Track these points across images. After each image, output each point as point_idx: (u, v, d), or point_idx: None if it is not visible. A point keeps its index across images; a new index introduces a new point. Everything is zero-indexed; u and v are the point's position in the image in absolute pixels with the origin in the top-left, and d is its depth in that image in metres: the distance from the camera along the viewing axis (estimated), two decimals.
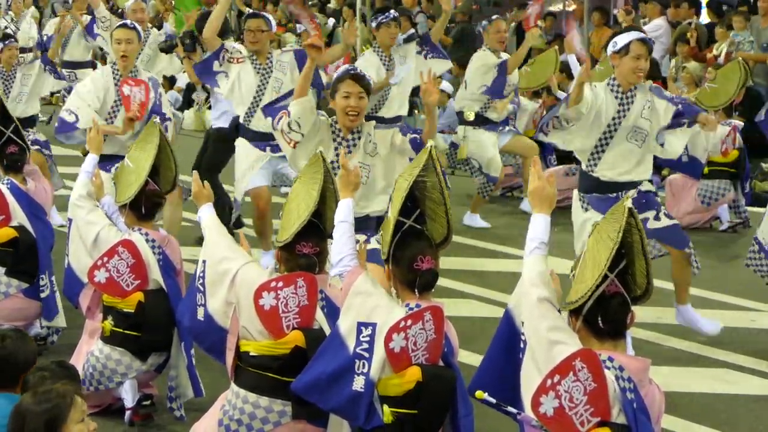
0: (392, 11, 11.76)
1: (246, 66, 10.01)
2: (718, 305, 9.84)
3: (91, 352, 7.00)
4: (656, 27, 17.46)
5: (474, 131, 12.61)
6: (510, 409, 4.70)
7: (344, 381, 5.27)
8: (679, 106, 8.43)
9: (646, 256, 4.67)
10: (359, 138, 7.49)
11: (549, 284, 4.85)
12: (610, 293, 4.56)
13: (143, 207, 7.12)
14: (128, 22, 9.12)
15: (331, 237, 5.95)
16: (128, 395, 6.92)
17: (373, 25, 11.87)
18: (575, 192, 8.57)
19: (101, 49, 16.91)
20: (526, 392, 4.60)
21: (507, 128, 12.75)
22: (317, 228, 6.01)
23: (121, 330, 6.90)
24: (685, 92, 12.63)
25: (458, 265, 10.69)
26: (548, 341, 4.61)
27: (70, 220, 7.43)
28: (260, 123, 9.66)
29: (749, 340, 8.99)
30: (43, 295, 8.15)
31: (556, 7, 21.45)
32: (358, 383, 5.23)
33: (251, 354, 5.88)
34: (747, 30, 16.25)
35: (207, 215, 6.43)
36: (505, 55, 12.65)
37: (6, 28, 17.29)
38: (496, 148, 12.63)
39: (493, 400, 4.73)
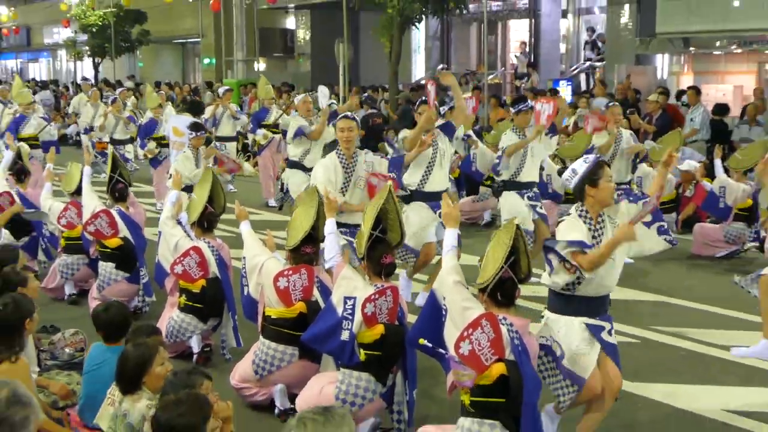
0: (529, 101, 9.52)
1: None
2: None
3: (171, 317, 7.01)
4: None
5: None
6: (440, 350, 4.77)
7: (336, 334, 5.34)
8: None
9: (528, 255, 4.80)
10: None
11: (460, 272, 4.90)
12: (505, 277, 4.65)
13: (205, 223, 7.16)
14: (349, 114, 7.70)
15: (322, 242, 6.00)
16: (195, 345, 6.96)
17: (513, 110, 9.45)
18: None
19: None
20: (450, 341, 4.64)
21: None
22: (313, 236, 6.06)
23: (191, 303, 6.93)
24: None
25: None
26: (462, 308, 4.68)
27: (159, 233, 7.44)
28: (434, 185, 8.19)
29: None
30: (144, 281, 8.16)
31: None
32: (345, 335, 5.30)
33: (272, 317, 5.95)
34: (587, 107, 15.98)
35: (246, 228, 6.50)
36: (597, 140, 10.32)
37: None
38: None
39: (430, 345, 4.81)
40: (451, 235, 5.18)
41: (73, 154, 17.72)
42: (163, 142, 14.10)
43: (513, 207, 9.19)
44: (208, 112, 16.35)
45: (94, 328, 5.45)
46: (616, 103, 10.86)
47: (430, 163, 8.15)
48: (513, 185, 9.25)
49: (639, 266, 9.84)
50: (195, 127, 10.82)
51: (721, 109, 14.96)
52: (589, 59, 23.97)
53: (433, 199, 8.13)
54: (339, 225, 6.53)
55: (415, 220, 8.15)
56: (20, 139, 13.83)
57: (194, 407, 3.77)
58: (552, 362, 5.16)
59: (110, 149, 11.16)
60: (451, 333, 4.69)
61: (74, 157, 10.70)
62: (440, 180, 8.25)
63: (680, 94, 16.75)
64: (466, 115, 8.79)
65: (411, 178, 8.23)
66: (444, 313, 4.83)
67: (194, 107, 13.57)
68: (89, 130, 17.57)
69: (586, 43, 24.12)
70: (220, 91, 16.54)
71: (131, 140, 15.87)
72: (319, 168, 7.45)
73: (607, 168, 5.18)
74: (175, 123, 12.63)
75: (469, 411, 4.56)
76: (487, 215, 12.75)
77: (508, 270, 4.65)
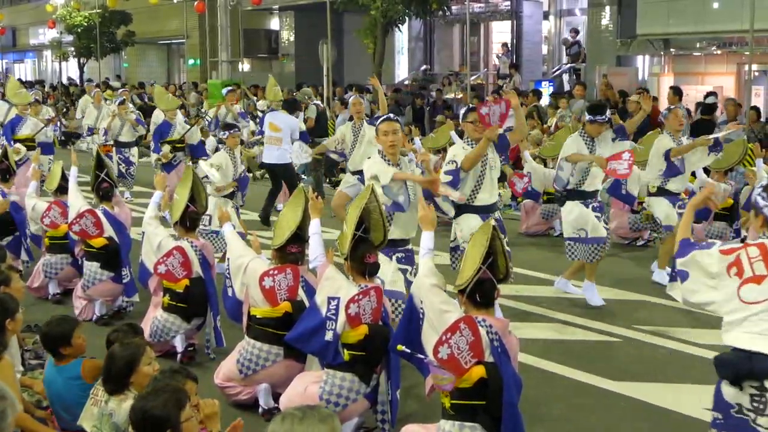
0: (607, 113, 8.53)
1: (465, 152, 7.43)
2: None
3: (155, 317, 7.01)
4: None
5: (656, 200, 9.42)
6: (419, 355, 4.74)
7: (320, 334, 5.34)
8: None
9: (506, 255, 4.80)
10: None
11: (437, 274, 4.92)
12: (483, 278, 4.63)
13: (187, 222, 7.17)
14: (391, 115, 7.19)
15: (307, 241, 6.01)
16: (179, 344, 6.98)
17: (588, 118, 8.47)
18: None
19: None
20: (428, 346, 4.65)
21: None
22: (299, 236, 6.06)
23: (175, 303, 6.93)
24: (530, 149, 12.53)
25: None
26: (440, 311, 4.70)
27: (143, 233, 7.38)
28: (483, 198, 7.48)
29: None
30: (125, 281, 8.07)
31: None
32: (329, 335, 5.30)
33: (257, 316, 5.95)
34: (567, 108, 16.29)
35: (228, 230, 6.53)
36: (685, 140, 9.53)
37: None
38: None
39: (408, 351, 4.77)
40: (427, 238, 5.21)
41: (60, 154, 17.58)
42: (177, 146, 13.96)
43: (580, 217, 8.50)
44: (211, 113, 16.17)
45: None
46: (678, 106, 9.96)
47: (480, 176, 7.44)
48: (578, 194, 8.52)
49: (621, 265, 9.85)
50: (228, 126, 10.78)
51: (709, 108, 14.98)
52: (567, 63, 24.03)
53: (482, 212, 7.47)
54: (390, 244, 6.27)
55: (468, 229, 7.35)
56: (16, 141, 13.79)
57: (169, 396, 3.80)
58: None
59: (94, 149, 10.99)
60: (429, 336, 4.70)
61: (60, 158, 10.64)
62: (490, 193, 7.56)
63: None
64: (524, 135, 7.94)
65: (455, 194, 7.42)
66: (421, 316, 4.82)
67: (290, 105, 13.41)
68: (92, 131, 17.41)
69: (568, 47, 24.18)
70: (224, 91, 16.37)
71: (136, 143, 15.70)
72: (372, 165, 6.82)
73: None
74: (271, 119, 12.66)
75: (449, 414, 4.55)
76: None
77: (486, 271, 4.64)
